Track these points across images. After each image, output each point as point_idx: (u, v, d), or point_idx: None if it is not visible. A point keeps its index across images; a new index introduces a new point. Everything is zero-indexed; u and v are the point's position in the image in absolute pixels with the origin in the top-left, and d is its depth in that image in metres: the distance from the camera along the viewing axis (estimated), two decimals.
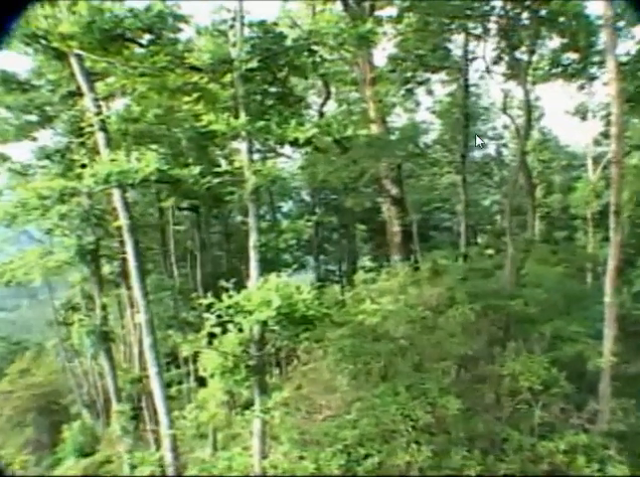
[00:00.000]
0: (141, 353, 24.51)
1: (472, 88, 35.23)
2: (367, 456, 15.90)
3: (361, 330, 18.63)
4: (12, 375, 41.63)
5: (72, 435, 30.25)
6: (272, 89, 15.29)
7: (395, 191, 29.39)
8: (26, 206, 14.51)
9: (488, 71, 30.24)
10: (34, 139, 26.99)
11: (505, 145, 44.76)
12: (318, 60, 15.24)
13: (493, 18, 27.55)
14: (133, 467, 20.30)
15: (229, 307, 11.88)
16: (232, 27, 14.57)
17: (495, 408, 17.80)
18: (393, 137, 32.25)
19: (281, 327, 12.63)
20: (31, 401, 37.85)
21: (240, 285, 12.56)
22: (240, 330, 12.94)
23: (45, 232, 25.45)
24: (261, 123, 13.30)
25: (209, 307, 12.00)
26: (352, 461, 15.83)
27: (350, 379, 19.08)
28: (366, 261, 39.78)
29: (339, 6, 29.08)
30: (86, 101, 16.13)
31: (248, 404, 15.36)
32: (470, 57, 31.50)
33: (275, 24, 14.99)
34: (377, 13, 29.21)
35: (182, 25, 16.55)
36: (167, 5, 16.21)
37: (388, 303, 20.11)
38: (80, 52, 16.06)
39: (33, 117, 25.95)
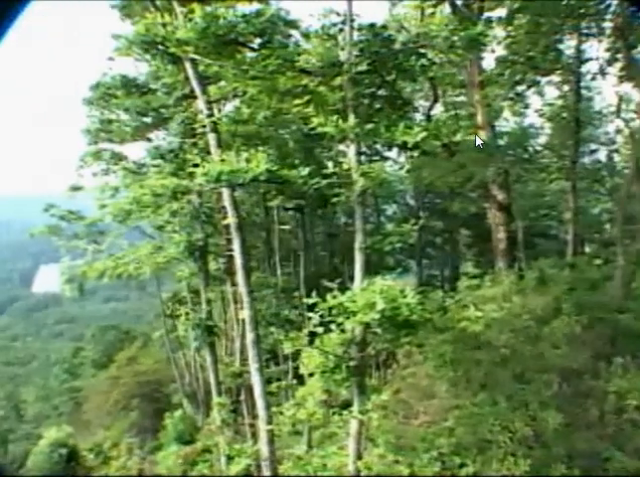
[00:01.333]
0: (243, 348, 25.10)
1: (584, 91, 33.85)
2: (462, 465, 15.63)
3: (462, 337, 18.33)
4: (120, 362, 43.70)
5: (173, 423, 31.33)
6: (381, 92, 15.31)
7: (501, 196, 28.70)
8: (140, 203, 15.22)
9: (602, 72, 28.99)
10: (148, 140, 28.29)
11: (617, 151, 42.74)
12: (427, 63, 15.14)
13: (608, 17, 26.40)
14: (230, 458, 20.86)
15: (332, 307, 12.02)
16: (341, 30, 14.69)
17: (598, 426, 16.98)
18: (501, 142, 31.51)
19: (383, 330, 12.66)
20: (136, 388, 39.49)
21: (342, 286, 12.66)
22: (343, 331, 13.04)
23: (156, 228, 26.58)
24: (370, 126, 13.36)
25: (312, 306, 12.18)
26: (446, 469, 15.63)
27: (449, 386, 18.81)
28: (468, 267, 39.08)
29: (448, 8, 28.68)
30: (200, 104, 16.74)
31: (346, 405, 15.47)
32: (583, 58, 30.30)
33: (384, 27, 15.01)
34: (486, 15, 28.62)
35: (291, 30, 16.95)
36: (277, 10, 16.62)
37: (491, 311, 19.66)
38: (195, 56, 16.69)
39: (148, 119, 27.21)
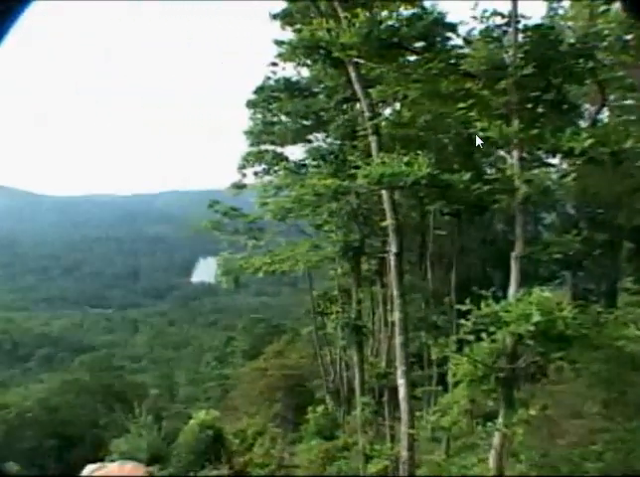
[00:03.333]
0: (389, 350, 25.16)
1: None
2: None
3: (619, 356, 17.23)
4: (268, 354, 45.26)
5: (315, 418, 31.91)
6: (546, 97, 14.80)
7: None
8: (301, 202, 15.70)
9: None
10: (308, 142, 29.12)
11: None
12: (595, 65, 14.45)
13: None
14: (369, 458, 21.00)
15: (485, 316, 11.82)
16: (505, 32, 14.38)
17: None
18: None
19: (536, 342, 12.26)
20: (281, 381, 40.68)
21: (494, 295, 12.40)
22: (494, 340, 12.77)
23: (314, 227, 27.28)
24: (534, 131, 12.97)
25: (463, 313, 12.03)
26: None
27: (600, 407, 17.82)
28: (628, 283, 36.58)
29: (618, 5, 26.95)
30: (362, 106, 17.02)
31: (490, 416, 15.09)
32: None
33: (551, 28, 14.50)
34: None
35: (450, 33, 16.81)
36: (439, 13, 16.55)
37: None
38: (359, 60, 16.98)
39: (308, 122, 28.02)
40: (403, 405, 16.75)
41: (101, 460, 25.58)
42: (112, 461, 22.18)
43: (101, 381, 55.73)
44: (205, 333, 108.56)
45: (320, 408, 32.61)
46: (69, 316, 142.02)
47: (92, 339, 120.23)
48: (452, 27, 16.83)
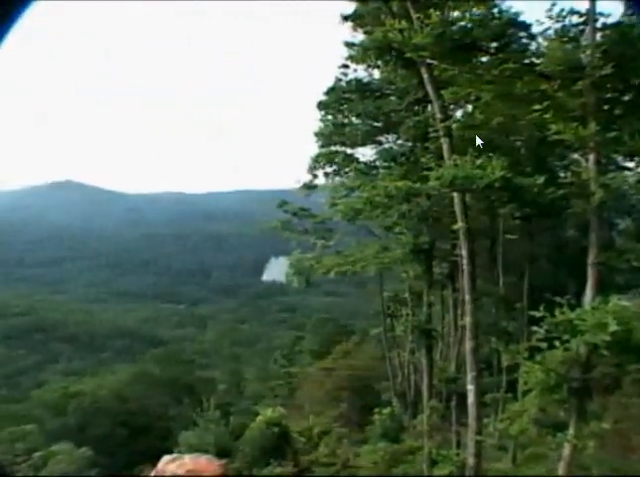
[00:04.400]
0: (459, 354, 24.87)
1: None
2: None
3: None
4: (336, 354, 45.40)
5: (381, 419, 31.83)
6: (625, 98, 14.31)
7: None
8: (372, 203, 15.70)
9: None
10: (378, 143, 29.04)
11: None
12: None
13: None
14: (434, 463, 20.79)
15: (558, 323, 11.53)
16: (582, 32, 13.98)
17: None
18: None
19: (612, 353, 11.88)
20: (348, 381, 40.71)
21: (568, 302, 12.07)
22: (567, 349, 12.43)
23: (384, 228, 27.20)
24: (612, 134, 12.56)
25: (536, 320, 11.77)
26: None
27: None
28: None
29: None
30: (434, 108, 16.88)
31: (561, 426, 14.70)
32: None
33: (631, 26, 13.99)
34: None
35: (525, 32, 16.45)
36: (514, 13, 16.23)
37: None
38: (431, 61, 16.83)
39: (379, 123, 27.93)
40: (472, 411, 16.51)
41: (169, 451, 26.30)
42: (180, 453, 22.75)
43: (172, 374, 57.13)
44: (274, 331, 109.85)
45: (386, 411, 32.50)
46: (142, 310, 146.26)
47: (164, 333, 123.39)
48: (526, 27, 16.49)
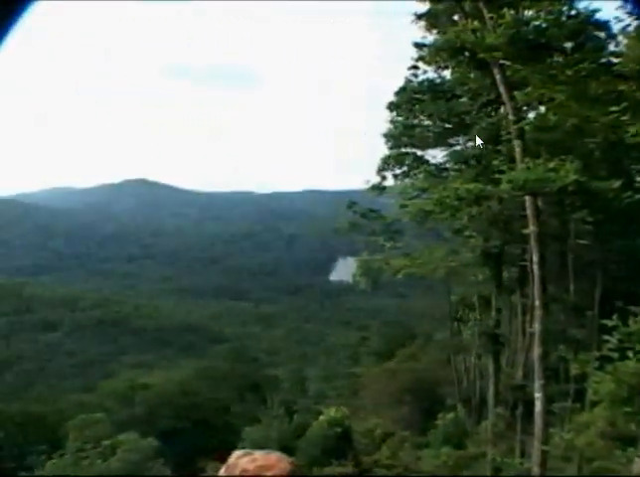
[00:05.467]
0: (526, 361, 24.37)
1: None
2: None
3: None
4: (401, 357, 45.26)
5: (444, 424, 31.50)
6: None
7: None
8: (442, 205, 15.56)
9: None
10: (449, 145, 28.69)
11: None
12: None
13: None
14: (498, 470, 20.43)
15: (632, 333, 11.14)
16: None
17: None
18: None
19: None
20: (412, 384, 40.47)
21: None
22: None
23: (453, 231, 26.88)
24: None
25: (609, 329, 11.41)
26: None
27: None
28: None
29: None
30: (506, 109, 16.59)
31: (631, 441, 14.18)
32: None
33: None
34: None
35: (601, 30, 15.98)
36: (591, 11, 15.78)
37: None
38: (504, 61, 16.56)
39: (450, 125, 27.60)
40: (538, 420, 16.14)
41: (231, 446, 26.65)
42: (243, 448, 23.05)
43: (236, 371, 58.08)
44: (339, 331, 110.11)
45: (450, 415, 32.14)
46: (209, 307, 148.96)
47: (230, 330, 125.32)
48: (604, 25, 16.03)
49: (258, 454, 4.67)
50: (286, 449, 29.50)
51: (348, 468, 27.23)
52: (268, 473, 4.55)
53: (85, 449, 27.42)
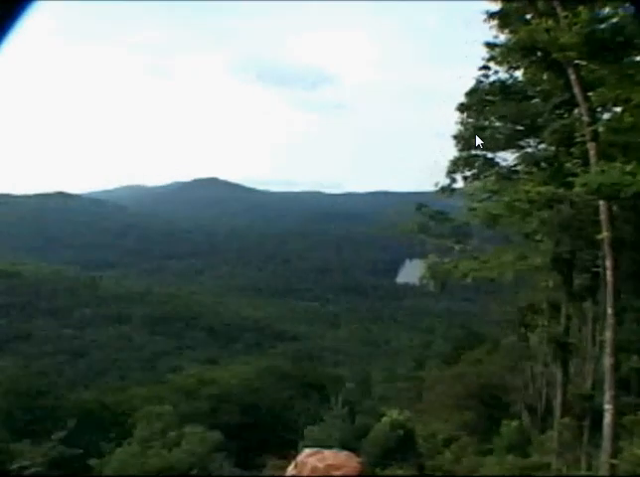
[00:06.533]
0: (595, 371, 23.73)
1: None
2: None
3: None
4: (467, 361, 44.73)
5: (508, 432, 30.97)
6: None
7: None
8: (513, 208, 15.30)
9: None
10: (520, 147, 28.09)
11: None
12: None
13: None
14: None
15: None
16: None
17: None
18: None
19: None
20: (477, 389, 39.99)
21: None
22: None
23: (523, 235, 26.34)
24: None
25: None
26: None
27: None
28: None
29: None
30: (580, 111, 16.18)
31: None
32: None
33: None
34: None
35: None
36: None
37: None
38: (579, 61, 16.16)
39: (521, 127, 27.05)
40: (607, 433, 15.63)
41: (292, 443, 26.93)
42: (305, 447, 23.25)
43: (300, 369, 58.52)
44: (404, 333, 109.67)
45: (515, 423, 31.60)
46: (274, 305, 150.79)
47: (295, 329, 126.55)
48: None
49: (328, 453, 4.74)
50: (348, 450, 29.58)
51: (410, 471, 27.09)
52: (338, 472, 4.60)
53: (152, 439, 28.16)
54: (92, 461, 27.19)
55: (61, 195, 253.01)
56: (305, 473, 4.78)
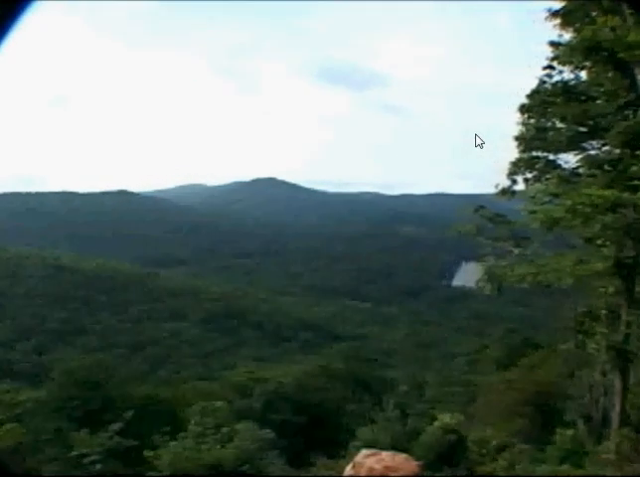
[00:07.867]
0: None
1: None
2: None
3: None
4: (521, 367, 43.93)
5: (562, 441, 30.25)
6: None
7: None
8: (575, 212, 14.97)
9: None
10: (583, 149, 27.42)
11: None
12: None
13: None
14: None
15: None
16: None
17: None
18: None
19: None
20: (531, 396, 39.21)
21: None
22: None
23: (584, 240, 25.67)
24: None
25: None
26: None
27: None
28: None
29: None
30: None
31: None
32: None
33: None
34: None
35: None
36: None
37: None
38: None
39: (584, 128, 26.41)
40: None
41: (343, 444, 26.89)
42: (355, 448, 23.24)
43: (353, 370, 58.47)
44: (458, 337, 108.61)
45: (569, 432, 30.88)
46: (328, 306, 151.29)
47: (348, 329, 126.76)
48: None
49: (385, 454, 4.73)
50: (398, 452, 29.45)
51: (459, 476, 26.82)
52: (395, 474, 4.58)
53: (205, 434, 28.52)
54: (147, 453, 27.72)
55: (123, 193, 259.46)
56: (362, 474, 4.78)
